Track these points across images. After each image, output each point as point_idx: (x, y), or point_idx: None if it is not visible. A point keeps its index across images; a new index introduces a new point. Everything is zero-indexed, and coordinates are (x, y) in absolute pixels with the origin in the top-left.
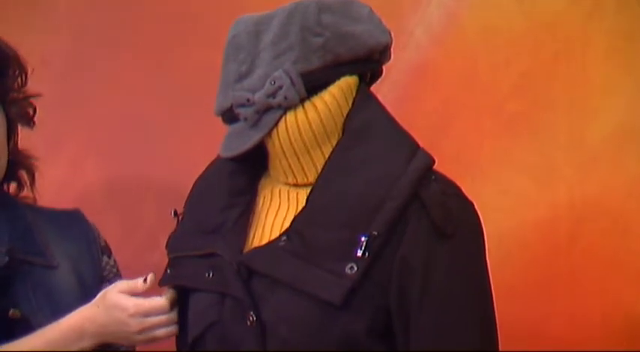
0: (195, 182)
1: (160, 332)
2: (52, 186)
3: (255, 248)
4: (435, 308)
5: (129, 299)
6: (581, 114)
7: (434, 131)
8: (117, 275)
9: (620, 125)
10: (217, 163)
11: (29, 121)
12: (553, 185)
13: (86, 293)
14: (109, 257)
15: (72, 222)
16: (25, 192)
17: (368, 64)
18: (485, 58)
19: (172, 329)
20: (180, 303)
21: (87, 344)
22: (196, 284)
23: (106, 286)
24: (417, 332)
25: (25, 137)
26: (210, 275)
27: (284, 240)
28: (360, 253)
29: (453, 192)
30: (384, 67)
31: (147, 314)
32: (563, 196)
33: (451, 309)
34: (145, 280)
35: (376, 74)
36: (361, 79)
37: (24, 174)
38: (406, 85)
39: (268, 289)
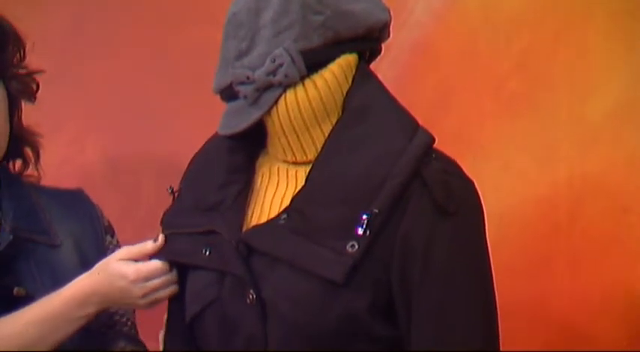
0: (193, 159)
1: (162, 293)
2: (53, 164)
3: (255, 226)
4: (436, 287)
5: (128, 266)
6: (582, 92)
7: (434, 109)
8: None
9: (620, 103)
10: (215, 140)
11: (31, 96)
12: (553, 163)
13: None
14: (112, 236)
15: (75, 201)
16: (30, 171)
17: (367, 42)
18: (485, 35)
19: (173, 288)
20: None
21: (91, 310)
22: (193, 261)
23: None
24: (419, 310)
25: (25, 114)
26: (208, 252)
27: (284, 218)
28: (361, 231)
29: (453, 171)
30: (383, 45)
31: (147, 278)
32: (564, 174)
33: (453, 288)
34: (156, 240)
35: (375, 52)
36: (360, 56)
37: (29, 151)
38: (406, 63)
39: (268, 267)
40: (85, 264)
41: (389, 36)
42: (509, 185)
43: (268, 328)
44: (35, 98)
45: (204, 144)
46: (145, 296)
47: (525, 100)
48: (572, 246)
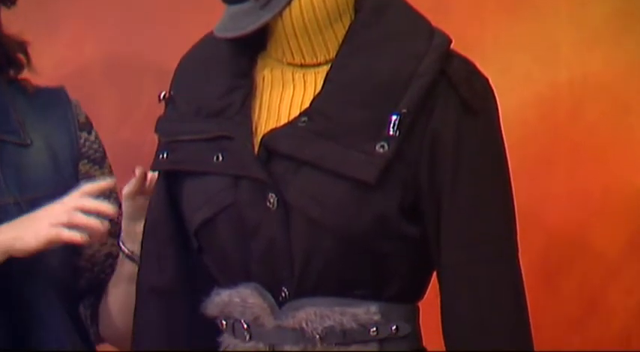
0: (181, 64)
1: (85, 217)
2: (51, 64)
3: (274, 129)
4: (469, 181)
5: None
6: None
7: (434, 12)
8: (98, 151)
9: (621, 4)
10: (206, 44)
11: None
12: (554, 65)
13: (59, 169)
14: (89, 133)
15: (52, 100)
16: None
17: None
18: None
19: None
20: (174, 189)
21: None
22: (203, 168)
23: (85, 163)
24: (450, 207)
25: (22, 15)
26: (220, 158)
27: (304, 121)
28: (392, 131)
29: (473, 69)
30: None
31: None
32: (564, 76)
33: (485, 182)
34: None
35: None
36: None
37: (21, 56)
38: None
39: (289, 170)
40: (55, 162)
41: None
42: (510, 87)
43: (291, 231)
44: (12, 2)
45: (192, 49)
46: (66, 212)
47: (526, 2)
48: (573, 145)
